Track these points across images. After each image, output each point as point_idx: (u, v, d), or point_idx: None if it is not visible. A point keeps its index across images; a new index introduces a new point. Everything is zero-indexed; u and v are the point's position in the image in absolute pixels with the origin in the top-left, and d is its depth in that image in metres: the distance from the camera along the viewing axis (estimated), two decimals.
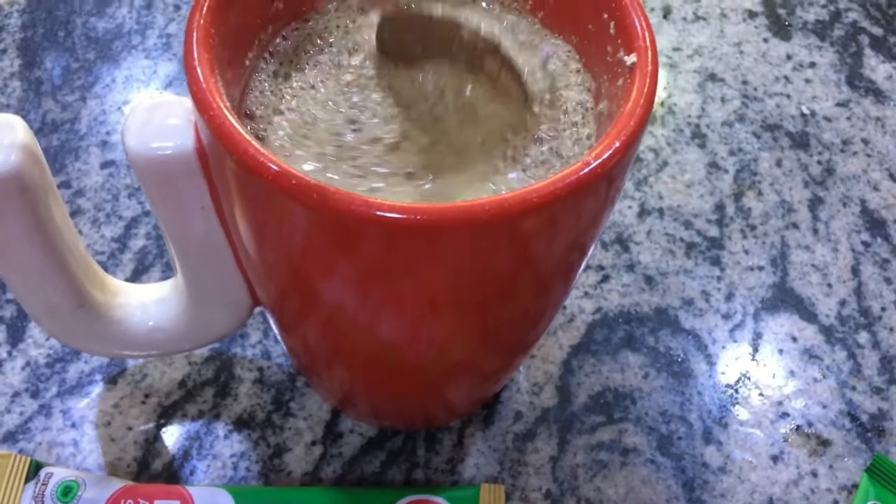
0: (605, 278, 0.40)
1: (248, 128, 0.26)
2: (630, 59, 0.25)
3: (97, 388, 0.36)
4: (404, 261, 0.24)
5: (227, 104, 0.23)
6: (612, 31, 0.26)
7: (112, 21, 0.48)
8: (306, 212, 0.22)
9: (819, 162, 0.45)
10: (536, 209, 0.22)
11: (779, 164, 0.45)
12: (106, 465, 0.34)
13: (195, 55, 0.24)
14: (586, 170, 0.23)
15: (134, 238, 0.40)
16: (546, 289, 0.28)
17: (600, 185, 0.24)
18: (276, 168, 0.22)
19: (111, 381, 0.36)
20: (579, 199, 0.23)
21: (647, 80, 0.25)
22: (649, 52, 0.25)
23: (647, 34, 0.26)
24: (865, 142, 0.46)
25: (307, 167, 0.26)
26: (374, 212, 0.21)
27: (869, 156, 0.46)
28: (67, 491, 0.31)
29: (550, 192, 0.22)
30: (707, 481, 0.35)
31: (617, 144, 0.23)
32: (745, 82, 0.48)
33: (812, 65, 0.49)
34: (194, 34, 0.24)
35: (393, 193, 0.25)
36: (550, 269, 0.27)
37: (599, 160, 0.23)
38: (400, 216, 0.21)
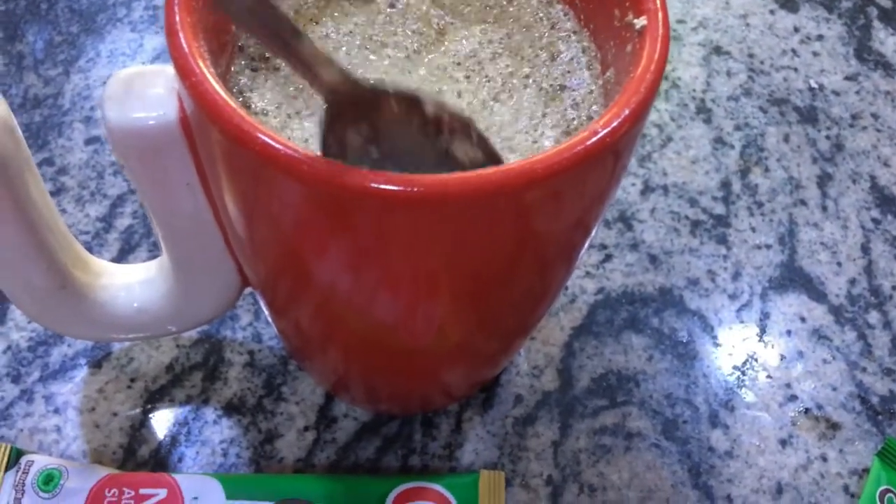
0: (608, 257, 0.39)
1: (235, 97, 0.25)
2: (640, 21, 0.24)
3: (81, 373, 0.34)
4: (402, 235, 0.22)
5: (212, 71, 0.22)
6: None
7: None
8: (297, 185, 0.21)
9: (827, 137, 0.44)
10: (542, 179, 0.21)
11: (786, 139, 0.44)
12: (90, 452, 0.32)
13: (177, 18, 0.22)
14: (595, 138, 0.21)
15: (120, 217, 0.38)
16: (548, 267, 0.27)
17: (609, 155, 0.22)
18: (264, 138, 0.20)
19: (96, 365, 0.34)
20: (588, 169, 0.22)
21: (658, 45, 0.23)
22: (660, 14, 0.24)
23: None
24: (875, 116, 0.45)
25: (299, 137, 0.24)
26: (370, 183, 0.20)
27: (879, 131, 0.44)
28: (49, 479, 0.30)
29: (557, 161, 0.21)
30: (713, 466, 0.34)
31: (626, 112, 0.22)
32: (751, 55, 0.47)
33: (820, 37, 0.48)
34: None
35: None
36: (553, 246, 0.26)
37: (608, 128, 0.22)
38: (398, 188, 0.20)
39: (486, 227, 0.22)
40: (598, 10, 0.26)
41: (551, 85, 0.27)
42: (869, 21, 0.49)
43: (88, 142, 0.40)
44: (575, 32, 0.27)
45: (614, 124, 0.22)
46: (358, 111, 0.22)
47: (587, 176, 0.22)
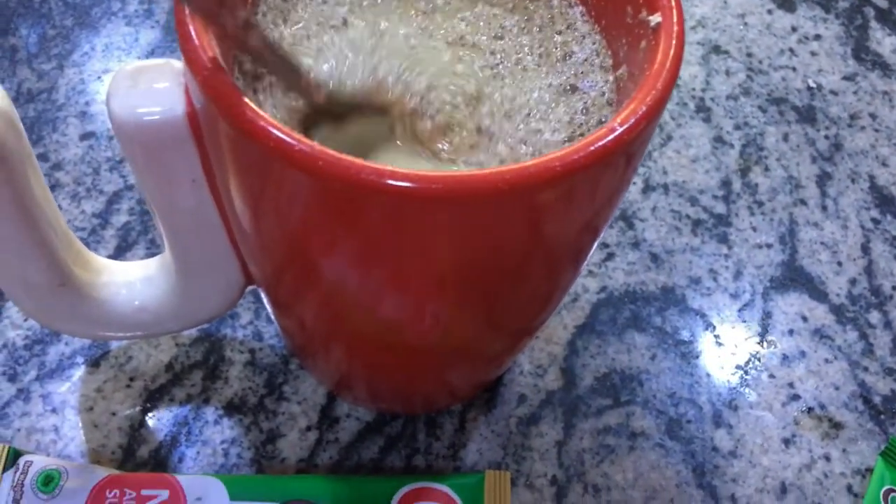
0: (610, 256, 0.39)
1: (241, 81, 0.24)
2: (654, 18, 0.24)
3: (79, 372, 0.34)
4: (415, 232, 0.22)
5: (221, 63, 0.21)
6: None
7: None
8: (311, 181, 0.20)
9: (826, 137, 0.44)
10: (560, 178, 0.21)
11: (785, 138, 0.44)
12: (89, 452, 0.32)
13: (187, 10, 0.22)
14: (612, 136, 0.21)
15: (116, 214, 0.37)
16: (558, 267, 0.27)
17: (625, 154, 0.22)
18: (277, 133, 0.20)
19: (94, 363, 0.34)
20: (604, 168, 0.22)
21: (674, 41, 0.23)
22: (674, 11, 0.24)
23: None
24: (873, 116, 0.45)
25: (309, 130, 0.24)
26: (386, 180, 0.20)
27: (877, 131, 0.44)
28: (49, 480, 0.29)
29: (574, 160, 0.21)
30: (718, 466, 0.34)
31: (643, 109, 0.22)
32: (749, 55, 0.47)
33: (817, 37, 0.48)
34: None
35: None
36: (564, 246, 0.25)
37: (626, 126, 0.21)
38: (413, 185, 0.20)
39: (499, 226, 0.22)
40: (609, 7, 0.26)
41: (562, 82, 0.26)
42: (866, 21, 0.49)
43: (83, 137, 0.40)
44: (586, 30, 0.27)
45: (631, 122, 0.21)
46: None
47: (602, 175, 0.22)
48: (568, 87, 0.26)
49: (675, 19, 0.23)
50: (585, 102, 0.26)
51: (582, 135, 0.26)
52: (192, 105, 0.23)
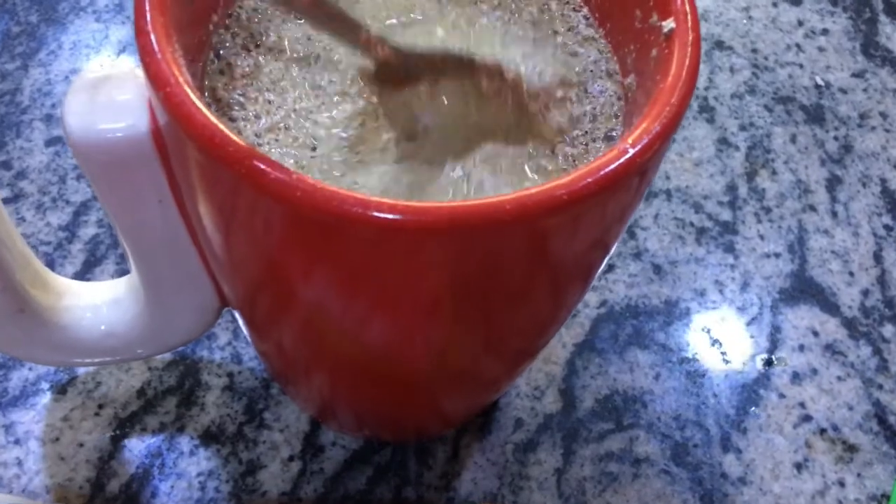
0: (610, 268, 0.37)
1: (213, 106, 0.22)
2: (667, 25, 0.21)
3: (44, 399, 0.31)
4: (404, 265, 0.20)
5: (188, 78, 0.19)
6: None
7: None
8: (289, 211, 0.18)
9: (836, 138, 0.42)
10: (565, 207, 0.18)
11: (793, 140, 0.41)
12: (54, 487, 0.30)
13: (148, 18, 0.19)
14: (623, 159, 0.19)
15: (84, 226, 0.35)
16: (564, 290, 0.24)
17: (637, 176, 0.20)
18: (250, 158, 0.18)
19: (60, 390, 0.32)
20: (615, 191, 0.19)
21: (689, 51, 0.21)
22: (689, 17, 0.21)
23: None
24: (884, 115, 0.43)
25: (279, 153, 0.22)
26: (373, 212, 0.17)
27: (888, 131, 0.42)
28: None
29: (582, 186, 0.18)
30: (727, 494, 0.32)
31: (657, 128, 0.20)
32: (754, 50, 0.44)
33: (825, 31, 0.46)
34: None
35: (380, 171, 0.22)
36: (568, 271, 0.23)
37: (638, 146, 0.19)
38: (403, 217, 0.18)
39: (499, 255, 0.20)
40: (615, 9, 0.24)
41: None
42: (875, 14, 0.47)
43: (49, 143, 0.37)
44: (589, 34, 0.25)
45: (644, 142, 0.19)
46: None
47: (615, 197, 0.20)
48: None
49: (690, 25, 0.21)
50: (594, 108, 0.24)
51: (585, 145, 0.24)
52: (157, 121, 0.21)
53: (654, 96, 0.20)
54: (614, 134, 0.23)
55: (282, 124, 0.22)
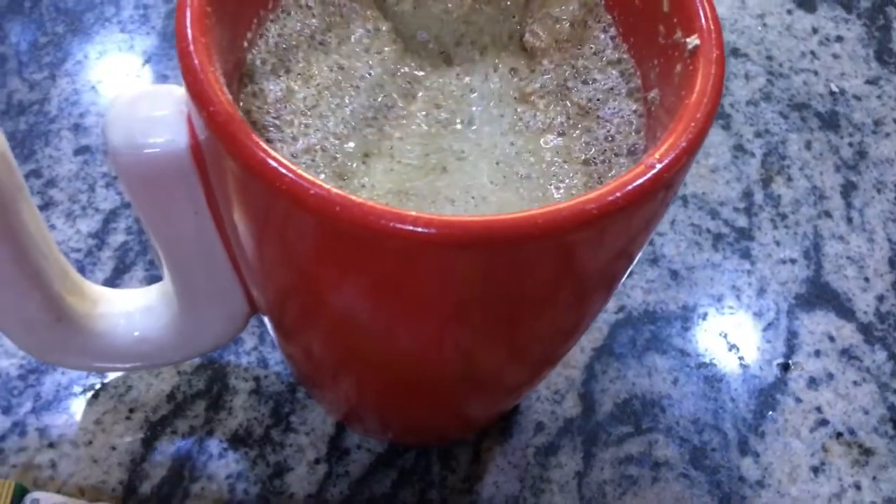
0: (629, 274, 0.37)
1: (246, 104, 0.23)
2: (692, 41, 0.22)
3: (76, 403, 0.32)
4: (435, 277, 0.20)
5: (229, 98, 0.20)
6: (665, 7, 0.23)
7: None
8: (326, 226, 0.19)
9: (850, 144, 0.42)
10: (594, 221, 0.19)
11: (808, 146, 0.42)
12: (88, 489, 0.30)
13: (190, 39, 0.20)
14: (650, 174, 0.19)
15: (113, 233, 0.36)
16: (586, 301, 0.25)
17: (664, 189, 0.20)
18: (290, 176, 0.18)
19: (92, 394, 0.32)
20: (642, 205, 0.20)
21: (714, 68, 0.21)
22: (713, 35, 0.22)
23: (709, 13, 0.22)
24: None
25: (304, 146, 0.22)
26: (408, 227, 0.18)
27: None
28: None
29: (610, 202, 0.19)
30: (745, 497, 0.32)
31: (683, 144, 0.20)
32: (769, 58, 0.45)
33: (839, 38, 0.46)
34: (188, 13, 0.20)
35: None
36: (594, 281, 0.24)
37: (665, 162, 0.20)
38: (437, 231, 0.18)
39: (526, 267, 0.21)
40: (639, 25, 0.25)
41: (588, 102, 0.25)
42: (889, 22, 0.47)
43: (78, 151, 0.38)
44: (615, 47, 0.25)
45: (670, 158, 0.20)
46: None
47: (640, 211, 0.21)
48: (594, 110, 0.25)
49: (714, 42, 0.22)
50: (608, 130, 0.25)
51: (608, 161, 0.24)
52: (196, 136, 0.21)
53: (680, 112, 0.21)
54: (636, 148, 0.24)
55: (318, 146, 0.22)
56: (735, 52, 0.45)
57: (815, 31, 0.46)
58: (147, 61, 0.41)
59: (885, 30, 0.47)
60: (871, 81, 0.45)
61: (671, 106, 0.22)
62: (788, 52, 0.45)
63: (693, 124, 0.20)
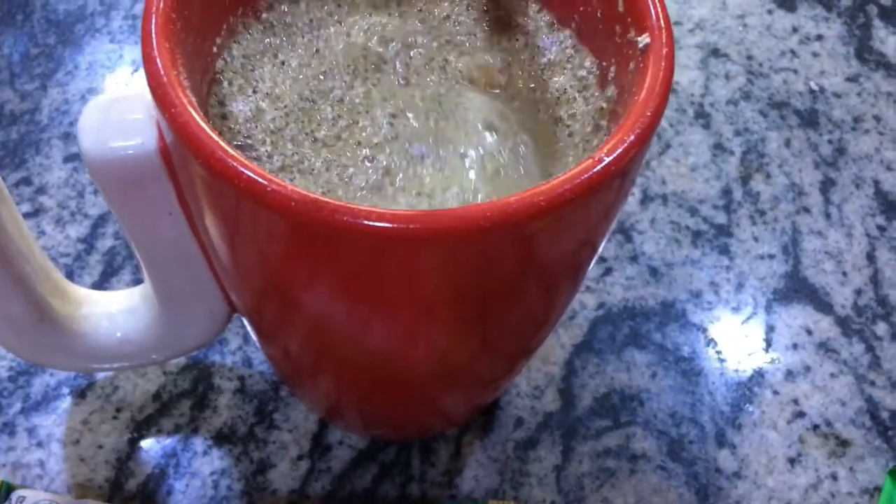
0: (608, 271, 0.38)
1: (216, 125, 0.23)
2: (642, 40, 0.23)
3: (64, 403, 0.33)
4: (396, 271, 0.21)
5: (192, 99, 0.21)
6: (620, 7, 0.24)
7: (74, 2, 0.45)
8: (285, 222, 0.20)
9: (829, 141, 0.43)
10: (544, 213, 0.20)
11: (787, 144, 0.42)
12: (75, 486, 0.31)
13: (154, 44, 0.21)
14: (598, 167, 0.20)
15: (101, 238, 0.37)
16: (555, 289, 0.26)
17: (614, 183, 0.21)
18: (248, 173, 0.19)
19: (79, 394, 0.33)
20: (591, 199, 0.21)
21: (662, 65, 0.22)
22: (664, 33, 0.23)
23: (660, 12, 0.23)
24: (877, 119, 0.44)
25: (279, 164, 0.23)
26: (362, 221, 0.19)
27: (881, 133, 0.43)
28: None
29: (559, 193, 0.20)
30: (721, 488, 0.33)
31: (631, 138, 0.21)
32: (749, 57, 0.46)
33: (819, 37, 0.47)
34: (153, 20, 0.21)
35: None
36: (558, 271, 0.24)
37: (613, 156, 0.20)
38: (390, 225, 0.19)
39: (486, 261, 0.21)
40: (596, 24, 0.25)
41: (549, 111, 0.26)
42: (869, 20, 0.48)
43: (67, 159, 0.39)
44: (575, 48, 0.26)
45: (619, 151, 0.20)
46: None
47: (592, 204, 0.21)
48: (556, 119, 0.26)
49: (664, 40, 0.22)
50: (570, 127, 0.25)
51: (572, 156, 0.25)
52: (164, 139, 0.22)
53: (630, 108, 0.22)
54: (596, 143, 0.25)
55: (295, 168, 0.23)
56: (715, 53, 0.46)
57: (795, 30, 0.47)
58: (136, 70, 0.42)
59: (865, 28, 0.47)
60: (851, 79, 0.45)
61: (626, 102, 0.23)
62: (768, 52, 0.46)
63: (641, 120, 0.21)
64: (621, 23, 0.24)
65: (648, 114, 0.21)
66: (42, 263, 0.28)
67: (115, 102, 0.23)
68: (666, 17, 0.23)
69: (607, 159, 0.20)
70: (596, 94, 0.25)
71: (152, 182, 0.23)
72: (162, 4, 0.21)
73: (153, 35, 0.21)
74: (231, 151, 0.19)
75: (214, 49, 0.24)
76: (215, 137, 0.20)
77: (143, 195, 0.24)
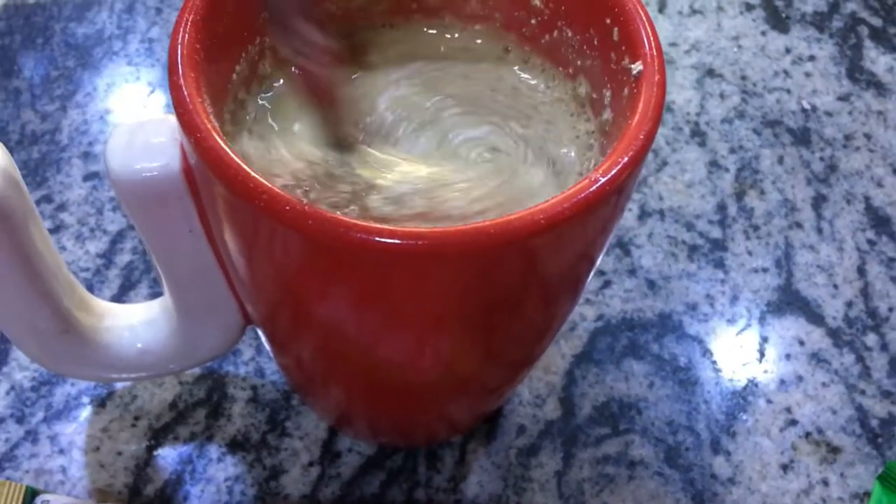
0: (607, 284, 0.39)
1: (236, 147, 0.25)
2: (636, 67, 0.24)
3: (85, 412, 0.34)
4: (406, 286, 0.23)
5: (215, 124, 0.22)
6: (615, 37, 0.25)
7: (92, 26, 0.46)
8: (301, 238, 0.21)
9: (821, 158, 0.44)
10: (544, 230, 0.21)
11: (780, 161, 0.44)
12: (95, 492, 0.32)
13: (180, 73, 0.22)
14: (594, 187, 0.22)
15: (120, 253, 0.38)
16: (554, 303, 0.27)
17: (609, 201, 0.23)
18: (268, 194, 0.21)
19: (99, 403, 0.34)
20: (588, 216, 0.22)
21: (655, 91, 0.24)
22: (656, 61, 0.24)
23: (652, 41, 0.24)
24: (868, 136, 0.45)
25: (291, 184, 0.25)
26: (374, 238, 0.20)
27: (872, 151, 0.45)
28: None
29: (558, 212, 0.21)
30: (717, 493, 0.34)
31: (625, 160, 0.22)
32: (743, 77, 0.47)
33: (811, 58, 0.48)
34: (179, 51, 0.23)
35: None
36: (558, 284, 0.26)
37: (608, 176, 0.22)
38: (400, 241, 0.20)
39: (490, 276, 0.23)
40: (594, 52, 0.27)
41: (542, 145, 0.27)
42: (860, 40, 0.49)
43: (87, 178, 0.40)
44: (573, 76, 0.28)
45: (613, 172, 0.22)
46: None
47: (589, 221, 0.23)
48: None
49: (656, 67, 0.24)
50: (567, 150, 0.27)
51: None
52: (187, 161, 0.24)
53: (624, 131, 0.23)
54: (593, 164, 0.26)
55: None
56: (711, 73, 0.47)
57: (788, 50, 0.49)
58: (152, 92, 0.44)
59: (856, 48, 0.49)
60: (843, 98, 0.47)
61: (620, 126, 0.24)
62: (762, 72, 0.47)
63: (635, 142, 0.22)
64: (616, 51, 0.25)
65: (641, 137, 0.23)
66: (68, 278, 0.29)
67: (141, 126, 0.25)
68: (658, 45, 0.24)
69: (602, 179, 0.22)
70: (592, 117, 0.27)
71: (175, 201, 0.25)
72: (187, 36, 0.23)
73: (179, 65, 0.22)
74: (251, 173, 0.21)
75: (235, 75, 0.26)
76: (237, 160, 0.21)
77: (166, 213, 0.25)
